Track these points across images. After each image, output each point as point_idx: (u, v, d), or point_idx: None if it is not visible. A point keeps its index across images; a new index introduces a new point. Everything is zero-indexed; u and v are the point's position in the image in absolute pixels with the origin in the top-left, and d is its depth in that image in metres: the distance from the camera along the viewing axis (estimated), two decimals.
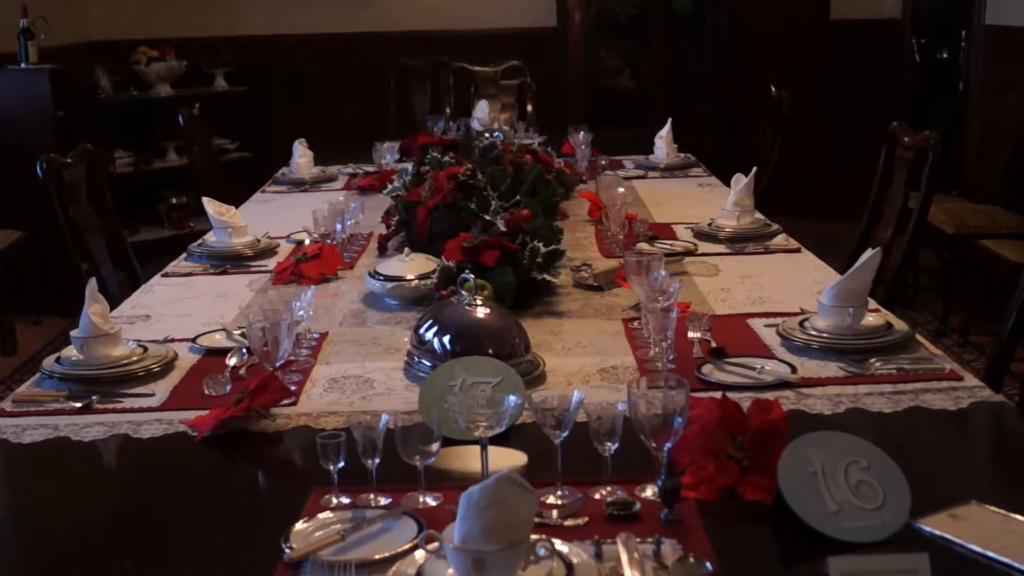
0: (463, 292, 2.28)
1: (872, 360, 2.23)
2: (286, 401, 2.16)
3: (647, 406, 1.65)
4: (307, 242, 3.35)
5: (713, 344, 2.38)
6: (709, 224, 3.48)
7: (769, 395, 2.09)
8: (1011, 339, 2.62)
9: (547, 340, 2.49)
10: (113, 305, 2.85)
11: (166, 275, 3.23)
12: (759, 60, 7.50)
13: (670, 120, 4.89)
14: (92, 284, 2.42)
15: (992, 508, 1.58)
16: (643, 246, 3.32)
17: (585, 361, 2.34)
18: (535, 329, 2.56)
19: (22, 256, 5.63)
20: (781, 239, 3.38)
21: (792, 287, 2.86)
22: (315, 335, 2.57)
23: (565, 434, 1.70)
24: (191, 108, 4.73)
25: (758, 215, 3.59)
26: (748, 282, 2.93)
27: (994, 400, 2.04)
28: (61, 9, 6.72)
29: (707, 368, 2.23)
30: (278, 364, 2.18)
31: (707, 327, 2.47)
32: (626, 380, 2.21)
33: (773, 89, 4.77)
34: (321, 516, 1.64)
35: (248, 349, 2.33)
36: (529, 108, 6.37)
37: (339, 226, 3.25)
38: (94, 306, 2.40)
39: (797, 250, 3.27)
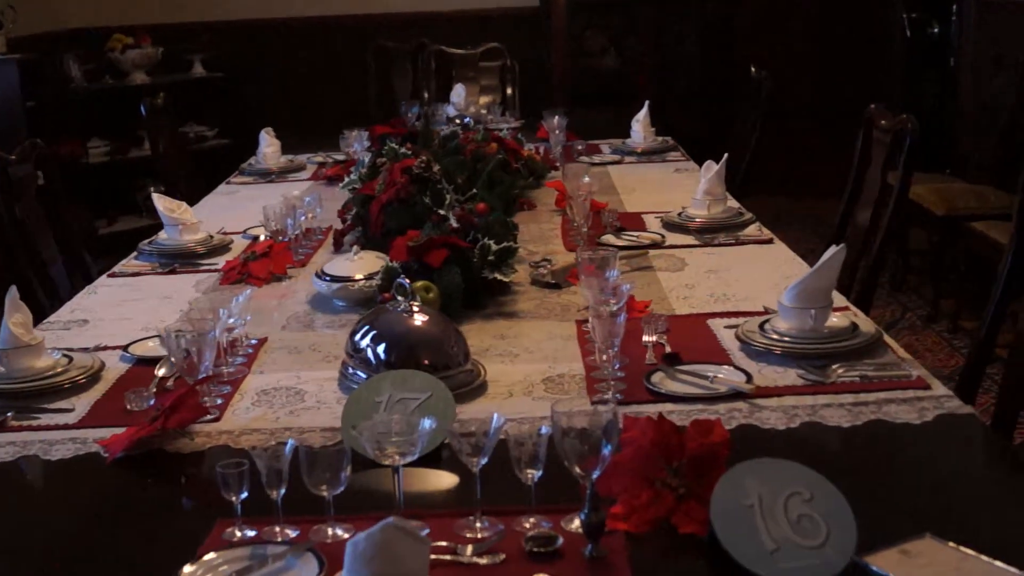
0: (399, 298, 2.15)
1: (835, 367, 2.09)
2: (208, 417, 2.03)
3: (571, 431, 1.52)
4: (261, 238, 3.22)
5: (668, 349, 2.25)
6: (679, 214, 3.35)
7: (721, 407, 1.96)
8: (988, 337, 2.48)
9: (494, 345, 2.36)
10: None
11: (113, 275, 3.11)
12: (747, 37, 7.34)
13: (647, 103, 4.74)
14: (12, 292, 2.29)
15: (949, 544, 1.44)
16: (608, 238, 3.19)
17: (531, 369, 2.21)
18: (483, 333, 2.44)
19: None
20: (753, 229, 3.24)
21: (759, 282, 2.72)
22: (252, 341, 2.45)
23: (484, 461, 1.57)
24: (155, 98, 4.59)
25: (731, 203, 3.45)
26: (713, 277, 2.80)
27: (962, 412, 1.90)
28: None
29: (657, 377, 2.09)
30: (200, 377, 2.05)
31: (664, 330, 2.34)
32: (571, 390, 2.09)
33: (753, 69, 4.62)
34: (216, 554, 1.51)
35: None
36: (509, 91, 6.23)
37: (291, 222, 3.11)
38: (15, 315, 2.27)
39: (769, 241, 3.13)
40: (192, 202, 4.11)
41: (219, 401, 2.11)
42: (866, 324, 2.28)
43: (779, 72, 7.13)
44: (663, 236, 3.19)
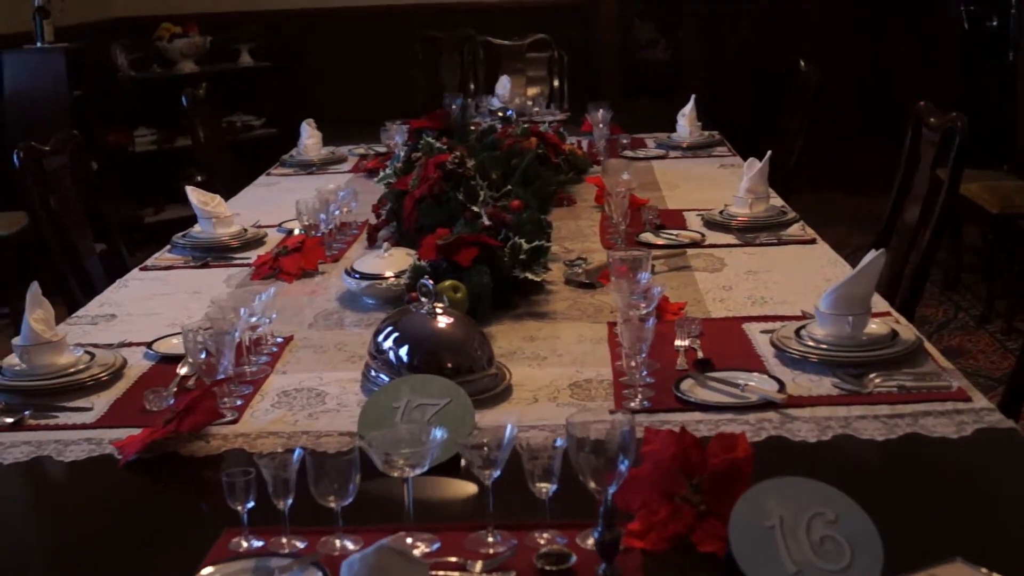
0: (422, 299, 2.10)
1: (872, 376, 2.02)
2: (227, 418, 2.00)
3: (586, 443, 1.46)
4: (295, 232, 3.18)
5: (700, 355, 2.18)
6: (721, 212, 3.27)
7: (751, 417, 1.89)
8: None
9: (523, 347, 2.31)
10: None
11: (145, 268, 3.08)
12: (799, 28, 7.21)
13: (693, 97, 4.66)
14: (34, 288, 2.27)
15: (980, 570, 1.37)
16: (647, 236, 3.12)
17: (558, 373, 2.15)
18: (512, 334, 2.38)
19: (32, 241, 5.51)
20: (796, 228, 3.15)
21: (798, 285, 2.64)
22: (278, 339, 2.41)
23: (497, 474, 1.51)
24: (196, 88, 4.57)
25: (775, 201, 3.37)
26: (752, 279, 2.72)
27: (1003, 427, 1.82)
28: None
29: (687, 384, 2.02)
30: (220, 377, 2.01)
31: (697, 334, 2.28)
32: (598, 397, 2.03)
33: (802, 64, 4.52)
34: (215, 568, 1.47)
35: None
36: (556, 83, 6.16)
37: (323, 216, 3.07)
38: (36, 311, 2.25)
39: (812, 241, 3.04)
40: (232, 193, 4.12)
41: (239, 402, 2.07)
42: (906, 331, 2.20)
43: (832, 65, 7.04)
44: (703, 235, 3.12)
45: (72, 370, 2.23)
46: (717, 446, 1.55)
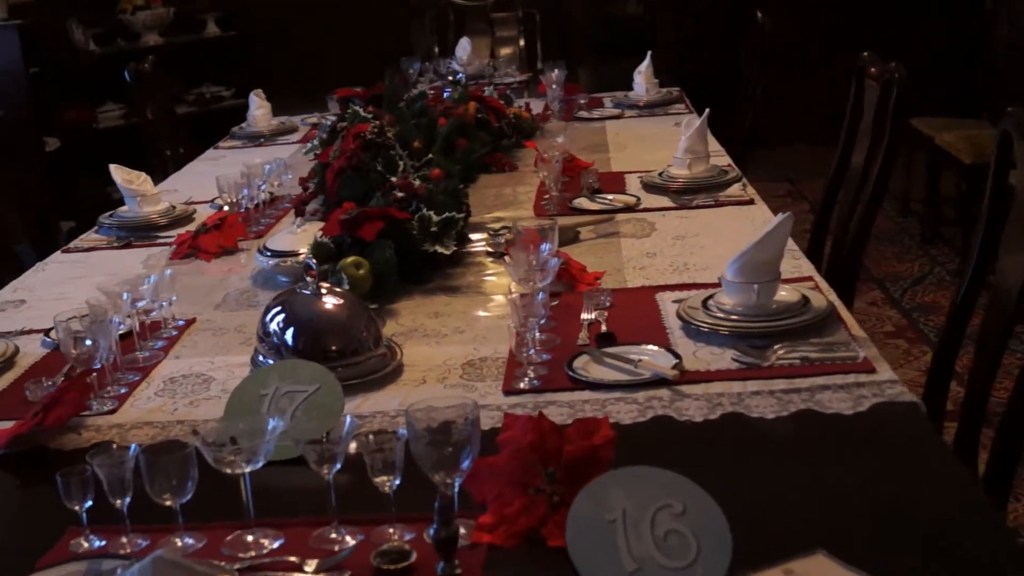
0: (307, 279, 2.01)
1: (776, 348, 1.93)
2: (107, 408, 1.93)
3: (425, 434, 1.38)
4: (224, 209, 3.09)
5: (603, 328, 2.10)
6: (660, 174, 3.17)
7: (641, 395, 1.81)
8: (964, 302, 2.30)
9: (425, 324, 2.23)
10: None
11: (68, 250, 3.01)
12: None
13: (649, 53, 4.56)
14: None
15: (840, 565, 1.29)
16: (581, 201, 3.03)
17: (454, 352, 2.07)
18: (418, 310, 2.30)
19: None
20: (736, 189, 3.05)
21: (726, 250, 2.49)
22: (180, 322, 2.33)
23: (337, 467, 1.43)
24: (140, 64, 4.47)
25: (720, 160, 3.28)
26: (679, 244, 2.63)
27: (903, 400, 1.73)
28: None
29: (581, 361, 1.94)
30: (96, 367, 1.94)
31: (605, 306, 2.20)
32: (489, 376, 1.95)
33: (759, 15, 4.40)
34: (50, 571, 1.40)
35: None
36: (522, 43, 6.04)
37: (246, 192, 2.98)
38: None
39: (749, 202, 2.95)
40: (177, 169, 4.04)
41: (123, 390, 2.00)
42: (819, 298, 2.10)
43: (806, 11, 6.91)
44: (639, 198, 3.03)
45: None
46: (575, 432, 1.47)
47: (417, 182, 2.67)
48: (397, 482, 1.41)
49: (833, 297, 2.17)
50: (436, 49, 6.17)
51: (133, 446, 1.47)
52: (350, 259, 2.30)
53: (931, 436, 1.66)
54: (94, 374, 1.93)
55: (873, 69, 2.97)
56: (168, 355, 2.18)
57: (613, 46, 7.25)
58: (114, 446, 1.50)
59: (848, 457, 1.61)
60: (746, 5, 6.24)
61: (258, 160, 3.21)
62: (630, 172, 3.35)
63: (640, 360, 1.89)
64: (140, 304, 2.14)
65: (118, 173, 3.17)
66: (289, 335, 1.96)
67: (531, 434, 1.47)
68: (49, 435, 1.82)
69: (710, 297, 2.11)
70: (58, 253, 2.99)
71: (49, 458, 1.78)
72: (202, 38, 6.97)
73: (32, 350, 2.25)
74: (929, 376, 2.32)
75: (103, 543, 1.48)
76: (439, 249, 2.44)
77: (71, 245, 3.03)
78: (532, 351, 1.91)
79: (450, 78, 4.51)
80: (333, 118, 4.34)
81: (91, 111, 6.28)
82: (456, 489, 1.40)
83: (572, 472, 1.43)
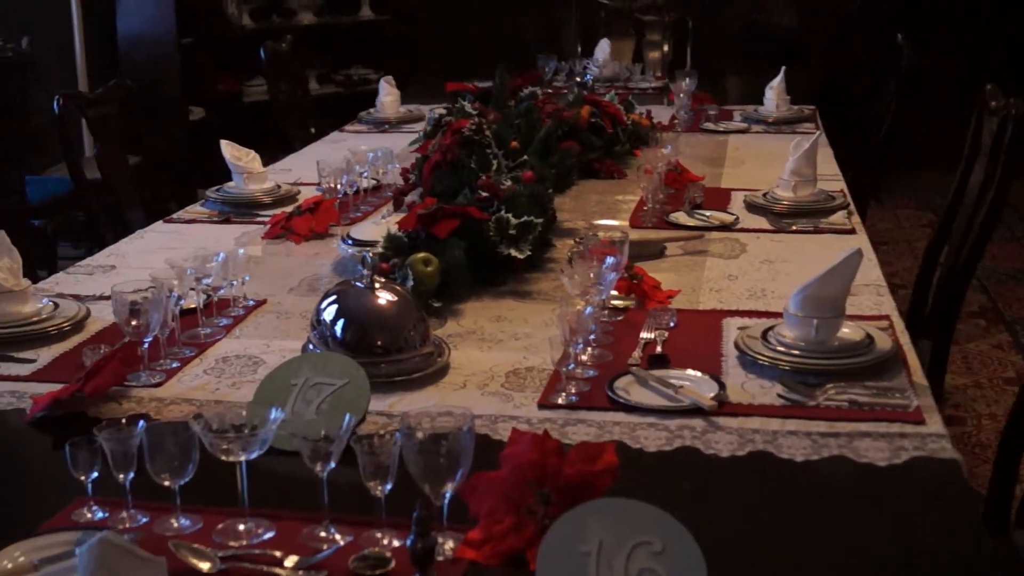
0: (363, 272, 2.02)
1: (828, 387, 1.85)
2: (154, 380, 1.96)
3: (419, 442, 1.36)
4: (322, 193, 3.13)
5: (659, 349, 2.05)
6: (764, 194, 3.09)
7: (673, 423, 1.76)
8: None
9: (484, 327, 2.21)
10: None
11: (169, 220, 3.08)
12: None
13: (783, 69, 4.44)
14: (1, 236, 2.27)
15: None
16: (678, 216, 2.97)
17: (503, 358, 2.04)
18: (483, 312, 2.29)
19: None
20: (839, 216, 2.95)
21: (809, 278, 2.46)
22: (250, 301, 2.37)
23: (331, 466, 1.43)
24: (277, 43, 4.56)
25: (827, 186, 3.18)
26: (765, 268, 2.56)
27: (943, 457, 1.64)
28: None
29: (624, 381, 1.90)
30: (147, 341, 1.97)
31: (668, 326, 2.15)
32: (530, 387, 1.92)
33: (899, 37, 4.25)
34: (48, 537, 1.43)
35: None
36: (665, 48, 5.97)
37: (345, 178, 3.00)
38: (2, 260, 2.25)
39: (850, 231, 2.84)
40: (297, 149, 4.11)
41: (175, 364, 2.04)
42: (884, 340, 2.01)
43: (948, 35, 6.65)
44: (737, 218, 2.95)
45: (32, 320, 2.22)
46: (577, 455, 1.43)
47: (508, 182, 2.66)
48: (388, 487, 1.40)
49: (905, 339, 2.08)
50: (579, 48, 6.14)
51: (140, 423, 1.49)
52: (421, 255, 2.30)
53: (964, 497, 1.57)
54: (145, 346, 1.97)
55: (993, 103, 2.84)
56: (229, 334, 2.21)
57: (764, 57, 7.11)
58: (123, 421, 1.52)
59: (869, 513, 1.53)
60: (896, 25, 6.05)
61: (365, 147, 3.23)
62: (738, 189, 3.27)
63: (681, 386, 1.84)
64: (206, 281, 2.18)
65: (227, 149, 3.23)
66: (339, 327, 1.97)
67: (532, 453, 1.44)
68: (90, 402, 1.86)
69: (772, 328, 2.04)
70: (160, 222, 3.06)
71: (87, 424, 1.82)
72: (356, 20, 7.08)
73: (104, 316, 2.30)
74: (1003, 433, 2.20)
75: (105, 515, 1.50)
76: (513, 252, 2.42)
77: (173, 216, 3.10)
78: (571, 366, 1.87)
79: (578, 79, 4.48)
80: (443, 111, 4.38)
81: (239, 84, 6.44)
82: (446, 501, 1.38)
83: (567, 496, 1.39)
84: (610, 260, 2.12)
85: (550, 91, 4.55)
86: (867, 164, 4.28)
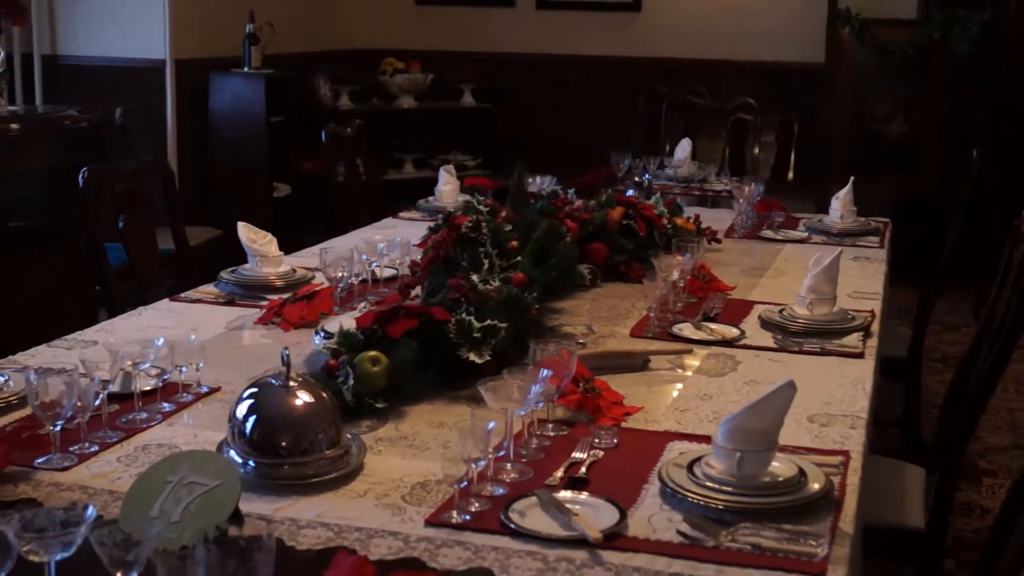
0: (283, 369, 1.97)
1: (740, 526, 1.72)
2: (65, 464, 1.94)
3: (209, 563, 1.29)
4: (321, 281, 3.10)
5: (582, 471, 1.95)
6: (781, 311, 2.95)
7: (553, 553, 1.66)
8: None
9: (421, 432, 2.14)
10: None
11: (175, 299, 3.10)
12: None
13: (852, 179, 4.28)
14: None
15: None
16: (683, 328, 2.85)
17: (422, 467, 1.96)
18: (427, 416, 2.23)
19: (213, 254, 5.75)
20: (853, 338, 2.79)
21: (793, 404, 2.31)
22: (203, 388, 2.34)
23: (133, 574, 1.36)
24: (341, 126, 4.61)
25: (857, 304, 3.03)
26: (747, 390, 2.42)
27: None
28: (315, 16, 6.85)
29: (524, 504, 1.80)
30: (59, 424, 1.96)
31: (608, 446, 2.05)
32: (432, 502, 1.83)
33: (974, 152, 4.07)
34: None
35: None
36: (756, 151, 5.85)
37: (348, 268, 2.97)
38: None
39: (858, 355, 2.68)
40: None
41: (94, 448, 2.02)
42: (819, 479, 1.86)
43: None
44: (742, 333, 2.82)
45: None
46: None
47: (496, 283, 2.60)
48: None
49: (854, 479, 1.93)
50: (667, 146, 6.06)
51: (15, 515, 1.44)
52: (370, 354, 2.25)
53: None
54: (57, 428, 1.95)
55: None
56: (166, 420, 2.18)
57: (872, 165, 6.93)
58: None
59: None
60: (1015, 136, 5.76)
61: (377, 237, 3.21)
62: (763, 303, 3.14)
63: (576, 514, 1.73)
64: (143, 366, 2.16)
65: (244, 231, 3.24)
66: (248, 424, 1.93)
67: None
68: None
69: (699, 459, 1.92)
70: (165, 300, 3.08)
71: None
72: (456, 106, 7.15)
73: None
74: None
75: None
76: (472, 357, 2.34)
77: (181, 295, 3.12)
78: (463, 484, 1.78)
79: (636, 179, 4.40)
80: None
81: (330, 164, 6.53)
82: None
83: None
84: (544, 373, 2.03)
85: (620, 188, 4.49)
86: (930, 281, 4.09)
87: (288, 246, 3.39)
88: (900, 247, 4.34)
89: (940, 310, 5.20)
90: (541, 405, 2.08)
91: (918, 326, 4.12)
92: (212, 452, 1.79)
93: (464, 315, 2.36)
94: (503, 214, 3.04)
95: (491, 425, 1.80)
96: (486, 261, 2.70)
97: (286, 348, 2.01)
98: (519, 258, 2.75)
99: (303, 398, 1.95)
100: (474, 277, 2.63)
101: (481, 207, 3.01)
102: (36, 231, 4.20)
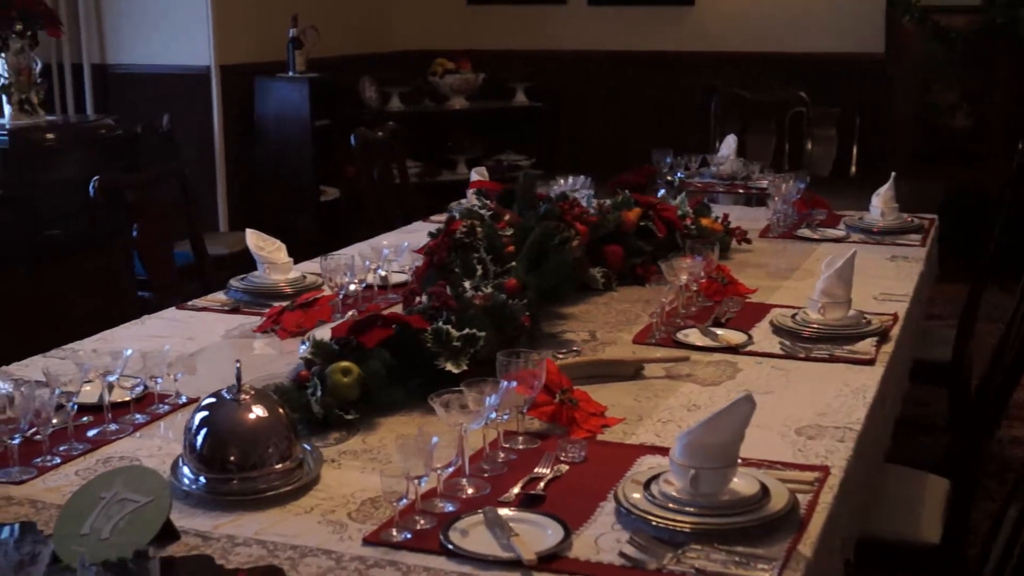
0: (235, 383, 1.93)
1: (690, 547, 1.64)
2: (22, 477, 1.93)
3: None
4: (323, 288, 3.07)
5: (540, 487, 1.88)
6: (793, 316, 2.84)
7: (489, 574, 1.59)
8: None
9: (386, 447, 2.08)
10: None
11: (182, 307, 3.08)
12: None
13: (893, 175, 4.13)
14: None
15: None
16: (689, 334, 2.76)
17: (375, 482, 1.90)
18: (395, 430, 2.18)
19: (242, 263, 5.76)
20: (866, 344, 2.68)
21: (781, 415, 2.23)
22: (182, 399, 2.32)
23: None
24: (372, 129, 4.58)
25: (876, 308, 2.91)
26: None
27: None
28: (363, 18, 6.84)
29: (470, 521, 1.74)
30: (15, 441, 1.94)
31: (575, 460, 1.98)
32: (380, 518, 1.78)
33: (1020, 144, 3.91)
34: None
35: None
36: (809, 146, 5.71)
37: (348, 275, 2.94)
38: None
39: (868, 362, 2.57)
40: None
41: (56, 461, 2.00)
42: (783, 499, 1.77)
43: None
44: (750, 338, 2.72)
45: None
46: None
47: (488, 289, 2.54)
48: None
49: (828, 497, 1.84)
50: (717, 143, 5.94)
51: None
52: (342, 364, 2.21)
53: None
54: (15, 441, 1.94)
55: None
56: (138, 432, 2.16)
57: (937, 158, 6.74)
58: None
59: None
60: None
61: (384, 243, 3.17)
62: (782, 306, 3.02)
63: (516, 534, 1.67)
64: (111, 378, 2.15)
65: (252, 238, 3.22)
66: (199, 438, 1.90)
67: None
68: None
69: (656, 476, 1.84)
70: (172, 309, 3.07)
71: None
72: (508, 106, 7.09)
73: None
74: None
75: None
76: (449, 366, 2.28)
77: (188, 303, 3.10)
78: (403, 501, 1.73)
79: (668, 178, 4.31)
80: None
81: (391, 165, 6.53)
82: None
83: None
84: (504, 384, 1.97)
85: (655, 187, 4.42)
86: (975, 281, 3.94)
87: (336, 249, 3.35)
88: (963, 243, 4.20)
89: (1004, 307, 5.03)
90: (507, 417, 2.01)
91: (963, 325, 3.95)
92: (148, 468, 1.76)
93: (443, 324, 2.31)
94: (506, 218, 2.98)
95: (434, 440, 1.74)
96: (479, 267, 2.64)
97: (238, 361, 1.97)
98: (512, 264, 2.69)
99: (255, 412, 1.91)
100: (467, 284, 2.58)
101: (483, 211, 2.95)
102: (73, 239, 4.25)
